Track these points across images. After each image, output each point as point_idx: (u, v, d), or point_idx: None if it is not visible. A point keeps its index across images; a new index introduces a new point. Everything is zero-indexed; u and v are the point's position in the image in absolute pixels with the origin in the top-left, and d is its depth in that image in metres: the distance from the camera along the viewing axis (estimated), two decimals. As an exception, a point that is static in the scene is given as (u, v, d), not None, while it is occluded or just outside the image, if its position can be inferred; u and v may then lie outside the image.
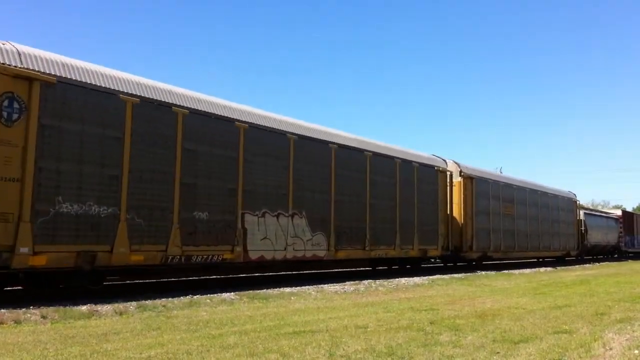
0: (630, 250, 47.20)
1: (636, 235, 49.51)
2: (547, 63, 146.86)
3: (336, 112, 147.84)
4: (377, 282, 15.00)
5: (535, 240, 29.25)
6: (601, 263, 34.77)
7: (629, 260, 41.23)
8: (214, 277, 15.74)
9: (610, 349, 6.12)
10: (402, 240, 18.63)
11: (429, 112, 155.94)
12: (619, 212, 47.21)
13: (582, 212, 36.93)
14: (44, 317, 8.03)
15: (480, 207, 23.80)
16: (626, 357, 5.75)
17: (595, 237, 38.74)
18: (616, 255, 44.73)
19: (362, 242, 16.90)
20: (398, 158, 18.90)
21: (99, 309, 8.83)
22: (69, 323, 7.74)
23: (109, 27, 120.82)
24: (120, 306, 9.10)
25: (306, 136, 15.29)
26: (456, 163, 22.94)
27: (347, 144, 16.77)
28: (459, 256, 22.54)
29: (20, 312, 8.06)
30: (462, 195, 22.67)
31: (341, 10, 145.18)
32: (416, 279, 16.44)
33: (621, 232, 44.67)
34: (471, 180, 23.26)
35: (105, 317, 8.41)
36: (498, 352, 5.80)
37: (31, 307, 8.54)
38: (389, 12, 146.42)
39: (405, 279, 16.51)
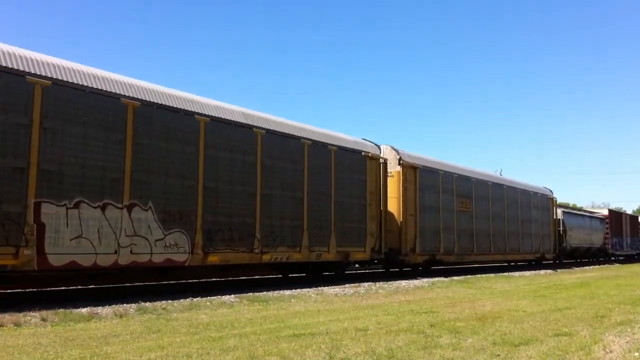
0: (618, 253, 43.84)
1: (625, 236, 45.63)
2: (546, 63, 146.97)
3: (336, 113, 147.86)
4: (377, 284, 14.99)
5: (501, 242, 25.70)
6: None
7: (616, 264, 38.16)
8: (214, 279, 15.73)
9: (611, 351, 6.11)
10: (313, 240, 14.96)
11: (428, 112, 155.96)
12: (605, 212, 43.36)
13: (560, 211, 33.46)
14: (44, 319, 8.03)
15: (427, 202, 20.30)
16: (626, 359, 5.74)
17: (577, 238, 35.16)
18: (602, 259, 41.44)
19: (249, 243, 13.20)
20: (306, 139, 15.17)
21: (99, 311, 8.83)
22: (69, 326, 7.74)
23: (107, 28, 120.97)
24: (120, 309, 9.09)
25: (154, 102, 11.55)
26: (395, 149, 19.30)
27: (225, 116, 13.02)
28: (398, 260, 18.86)
29: (20, 315, 8.05)
30: (401, 188, 18.95)
31: (341, 10, 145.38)
32: (416, 282, 16.44)
33: (607, 234, 41.05)
34: (414, 170, 19.66)
35: (105, 319, 8.41)
36: (498, 355, 5.79)
37: (31, 309, 8.54)
38: (388, 13, 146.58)
39: (406, 281, 16.50)
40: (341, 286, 14.22)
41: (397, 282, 16.13)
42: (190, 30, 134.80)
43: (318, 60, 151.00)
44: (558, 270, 27.42)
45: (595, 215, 40.87)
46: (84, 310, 8.82)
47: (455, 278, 18.68)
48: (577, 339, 6.84)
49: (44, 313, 8.30)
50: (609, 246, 40.96)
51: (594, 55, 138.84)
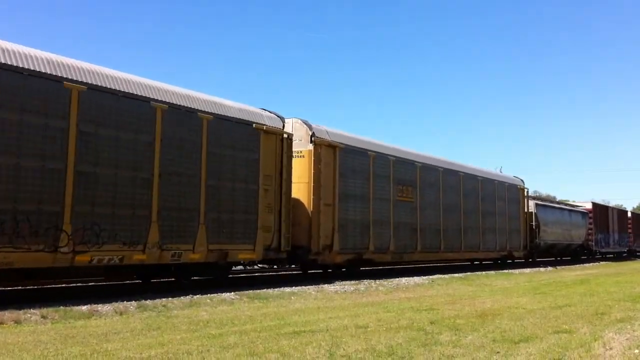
0: (603, 250, 39.21)
1: (612, 232, 40.81)
2: (546, 64, 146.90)
3: (335, 114, 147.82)
4: (377, 282, 15.00)
5: (455, 238, 21.65)
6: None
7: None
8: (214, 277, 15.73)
9: (611, 348, 6.12)
10: (167, 235, 11.41)
11: (428, 113, 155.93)
12: (588, 205, 38.10)
13: (532, 203, 29.51)
14: (44, 317, 8.03)
15: (352, 189, 16.41)
16: (626, 356, 5.75)
17: (553, 234, 30.87)
18: (584, 257, 36.66)
19: (53, 239, 9.58)
20: (160, 102, 11.48)
21: (99, 308, 8.84)
22: (69, 323, 7.74)
23: (106, 29, 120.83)
24: (120, 306, 9.10)
25: None
26: (307, 124, 15.56)
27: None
28: (308, 260, 15.44)
29: (21, 313, 8.06)
30: (313, 171, 15.17)
31: (340, 11, 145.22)
32: (416, 279, 16.45)
33: (591, 229, 36.63)
34: (333, 150, 15.79)
35: (106, 317, 8.42)
36: (498, 352, 5.80)
37: (31, 307, 8.54)
38: (388, 13, 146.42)
39: (406, 278, 16.51)
40: (341, 283, 14.23)
41: (397, 279, 16.13)
42: (181, 28, 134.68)
43: (313, 57, 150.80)
44: (558, 267, 27.44)
45: (577, 208, 36.61)
46: (84, 307, 8.82)
47: (456, 275, 18.69)
48: (577, 336, 6.85)
49: (44, 310, 8.31)
50: (593, 243, 36.63)
51: (594, 55, 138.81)
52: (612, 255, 42.70)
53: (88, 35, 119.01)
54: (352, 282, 14.66)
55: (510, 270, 22.84)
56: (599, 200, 49.39)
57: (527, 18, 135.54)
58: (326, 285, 13.71)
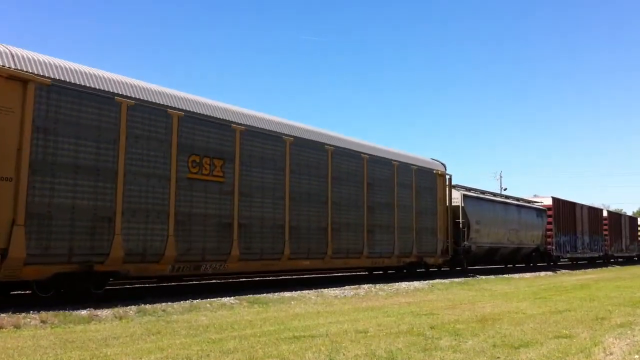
0: (568, 255, 33.04)
1: (580, 234, 34.38)
2: (546, 64, 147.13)
3: (334, 114, 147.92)
4: (377, 286, 15.00)
5: (317, 239, 15.12)
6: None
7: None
8: (214, 281, 15.74)
9: (611, 353, 6.11)
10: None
11: (428, 112, 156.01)
12: (547, 201, 31.11)
13: (459, 195, 22.69)
14: (43, 321, 8.02)
15: (72, 155, 9.99)
16: (627, 362, 5.74)
17: (491, 235, 24.53)
18: (542, 264, 30.04)
19: None
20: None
21: (99, 313, 8.83)
22: (69, 328, 7.73)
23: (102, 28, 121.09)
24: (120, 310, 9.09)
25: None
26: None
27: None
28: None
29: (20, 317, 8.05)
30: None
31: (338, 11, 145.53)
32: (416, 284, 16.44)
33: (551, 230, 30.35)
34: (23, 85, 9.34)
35: (105, 321, 8.41)
36: (498, 357, 5.79)
37: (31, 311, 8.54)
38: (383, 12, 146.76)
39: (406, 283, 16.50)
40: (341, 288, 14.23)
41: (397, 284, 16.14)
42: (176, 29, 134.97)
43: (306, 60, 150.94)
44: (557, 271, 27.32)
45: (530, 205, 29.69)
46: (84, 312, 8.82)
47: (456, 280, 18.67)
48: (577, 341, 6.84)
49: (44, 315, 8.30)
50: (553, 247, 30.38)
51: (595, 55, 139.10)
52: (584, 262, 37.71)
53: (87, 36, 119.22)
54: (352, 286, 14.66)
55: (510, 275, 22.80)
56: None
57: (528, 17, 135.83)
58: (326, 289, 13.70)
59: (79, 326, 7.85)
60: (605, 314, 9.64)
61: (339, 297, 12.67)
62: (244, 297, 11.49)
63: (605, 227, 39.66)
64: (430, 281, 17.52)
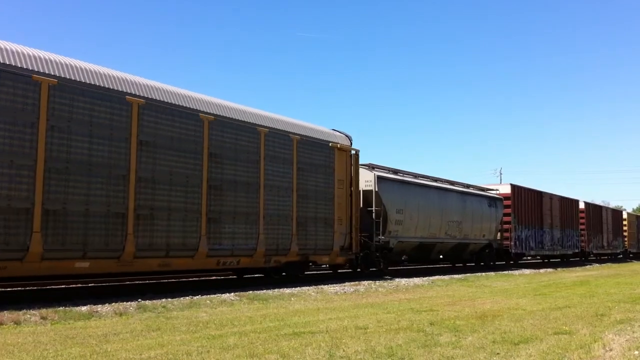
0: (533, 253, 28.98)
1: (549, 228, 30.05)
2: (546, 64, 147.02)
3: (334, 115, 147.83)
4: (377, 282, 15.02)
5: (111, 229, 10.53)
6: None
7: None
8: (214, 277, 15.77)
9: (611, 349, 6.12)
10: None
11: (427, 114, 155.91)
12: (505, 189, 26.60)
13: (373, 176, 18.21)
14: (43, 318, 8.03)
15: None
16: (626, 358, 5.75)
17: (422, 228, 20.04)
18: (500, 263, 26.14)
19: None
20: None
21: (99, 309, 8.84)
22: (69, 324, 7.75)
23: (103, 26, 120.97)
24: (120, 307, 9.11)
25: None
26: None
27: None
28: None
29: (20, 313, 8.07)
30: None
31: (328, 8, 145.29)
32: (416, 280, 16.47)
33: (508, 223, 25.99)
34: None
35: (105, 317, 8.42)
36: (498, 353, 5.80)
37: (31, 307, 8.55)
38: (383, 14, 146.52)
39: (405, 280, 16.53)
40: (341, 284, 14.24)
41: (397, 280, 16.16)
42: (172, 27, 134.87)
43: (304, 57, 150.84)
44: (558, 268, 27.31)
45: (482, 192, 25.11)
46: (84, 308, 8.83)
47: (455, 276, 18.70)
48: (577, 337, 6.85)
49: (44, 311, 8.31)
50: (512, 243, 25.88)
51: (594, 54, 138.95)
52: (556, 260, 33.75)
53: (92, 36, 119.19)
54: (352, 283, 14.67)
55: (510, 272, 22.82)
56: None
57: (526, 19, 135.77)
58: (326, 286, 13.71)
59: (79, 322, 7.87)
60: (605, 310, 9.66)
61: (338, 293, 12.69)
62: (244, 293, 11.50)
63: (583, 220, 35.76)
64: (430, 278, 17.54)
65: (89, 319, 8.22)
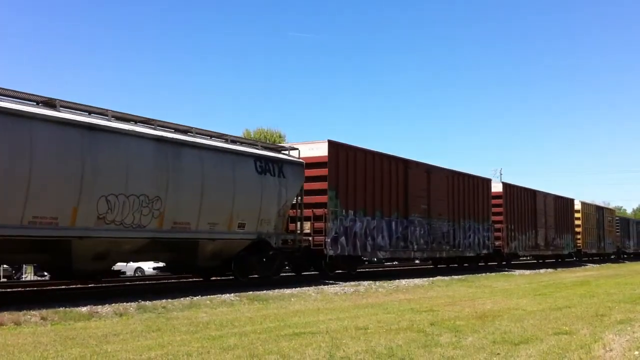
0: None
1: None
2: (546, 64, 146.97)
3: (333, 116, 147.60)
4: (377, 283, 15.01)
5: None
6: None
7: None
8: (215, 278, 15.74)
9: (611, 350, 6.12)
10: None
11: (426, 114, 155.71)
12: (322, 148, 15.50)
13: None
14: (43, 318, 8.03)
15: None
16: (626, 358, 5.74)
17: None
18: (251, 276, 14.17)
19: None
20: None
21: (99, 310, 8.84)
22: (69, 324, 7.74)
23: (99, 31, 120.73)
24: (120, 307, 9.10)
25: None
26: None
27: None
28: None
29: (20, 314, 8.06)
30: None
31: (336, 12, 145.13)
32: (416, 280, 16.46)
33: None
34: None
35: (105, 318, 8.42)
36: (498, 354, 5.79)
37: (31, 308, 8.54)
38: (382, 15, 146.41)
39: (406, 280, 16.52)
40: (341, 285, 14.24)
41: (397, 280, 16.15)
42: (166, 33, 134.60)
43: (299, 58, 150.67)
44: (558, 268, 27.33)
45: (254, 151, 13.74)
46: (84, 309, 8.82)
47: (456, 277, 18.70)
48: (577, 337, 6.84)
49: (44, 312, 8.31)
50: (329, 240, 15.09)
51: (594, 54, 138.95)
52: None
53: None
54: (352, 283, 14.67)
55: (510, 272, 22.80)
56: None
57: (526, 19, 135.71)
58: (326, 286, 13.71)
59: (79, 323, 7.86)
60: (605, 310, 9.65)
61: (339, 293, 12.68)
62: (244, 294, 11.50)
63: (499, 209, 25.43)
64: (431, 278, 17.54)
65: (89, 319, 8.21)
